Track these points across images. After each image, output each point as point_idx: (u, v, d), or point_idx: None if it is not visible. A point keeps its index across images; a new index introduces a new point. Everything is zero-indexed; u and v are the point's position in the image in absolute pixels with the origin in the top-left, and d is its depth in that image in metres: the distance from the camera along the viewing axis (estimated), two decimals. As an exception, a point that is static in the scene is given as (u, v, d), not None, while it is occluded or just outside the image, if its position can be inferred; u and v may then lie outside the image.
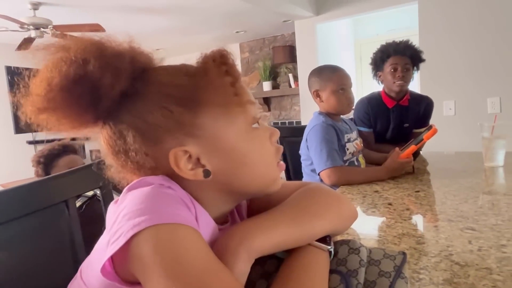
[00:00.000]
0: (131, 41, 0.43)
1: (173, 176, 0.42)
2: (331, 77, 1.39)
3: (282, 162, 0.50)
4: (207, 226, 0.42)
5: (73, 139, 0.49)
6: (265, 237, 0.40)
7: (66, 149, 1.58)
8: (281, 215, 0.44)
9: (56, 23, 2.96)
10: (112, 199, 0.85)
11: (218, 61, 0.43)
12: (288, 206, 0.46)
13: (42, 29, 2.94)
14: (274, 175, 0.48)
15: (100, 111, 0.42)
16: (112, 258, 0.36)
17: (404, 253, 0.43)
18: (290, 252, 0.43)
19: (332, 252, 0.43)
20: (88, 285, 0.42)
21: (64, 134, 0.44)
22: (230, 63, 0.44)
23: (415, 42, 1.77)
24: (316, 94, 1.42)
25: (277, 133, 0.49)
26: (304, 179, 1.49)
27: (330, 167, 1.25)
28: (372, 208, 0.96)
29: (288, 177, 1.72)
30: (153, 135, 0.42)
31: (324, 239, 0.44)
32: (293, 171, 1.71)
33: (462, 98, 2.70)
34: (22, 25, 2.84)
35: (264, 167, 0.47)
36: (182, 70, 0.45)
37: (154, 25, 3.83)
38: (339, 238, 0.51)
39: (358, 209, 0.98)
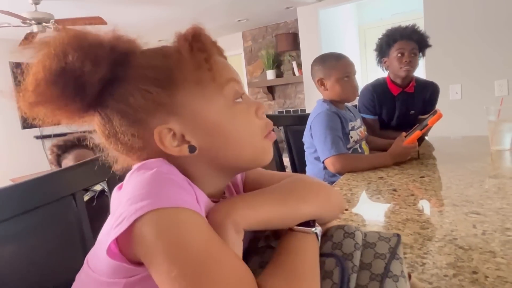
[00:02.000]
0: (115, 30, 0.45)
1: (164, 155, 0.44)
2: (336, 65, 1.38)
3: (272, 133, 0.50)
4: (205, 206, 0.43)
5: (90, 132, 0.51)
6: (250, 211, 0.42)
7: (80, 143, 1.60)
8: (268, 194, 0.46)
9: (57, 17, 2.96)
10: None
11: (191, 39, 0.45)
12: (276, 188, 0.48)
13: (44, 24, 2.94)
14: (262, 147, 0.49)
15: (87, 99, 0.43)
16: (117, 241, 0.37)
17: (398, 235, 0.44)
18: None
19: (318, 234, 0.44)
20: (96, 271, 0.43)
21: (64, 124, 0.46)
22: (203, 40, 0.45)
23: (420, 25, 1.74)
24: (321, 83, 1.40)
25: (263, 107, 0.50)
26: (307, 168, 1.49)
27: (334, 154, 1.25)
28: (377, 195, 0.96)
29: (293, 165, 1.73)
30: (136, 117, 0.44)
31: (308, 223, 0.45)
32: (297, 159, 1.71)
33: (468, 81, 2.66)
34: (24, 20, 2.85)
35: (250, 140, 0.48)
36: (158, 52, 0.47)
37: (155, 16, 3.81)
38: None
39: (363, 195, 0.99)
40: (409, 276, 0.45)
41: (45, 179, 0.71)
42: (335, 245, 0.43)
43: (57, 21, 2.92)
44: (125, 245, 0.37)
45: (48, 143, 3.69)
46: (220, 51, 0.50)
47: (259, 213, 0.42)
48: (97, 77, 0.42)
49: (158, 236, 0.34)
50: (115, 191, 0.45)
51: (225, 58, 0.51)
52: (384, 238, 0.43)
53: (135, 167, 0.43)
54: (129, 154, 0.46)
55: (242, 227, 0.41)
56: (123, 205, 0.37)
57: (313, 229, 0.44)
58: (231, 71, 0.49)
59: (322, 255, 0.42)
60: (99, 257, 0.42)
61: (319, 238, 0.44)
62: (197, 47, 0.44)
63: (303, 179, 0.51)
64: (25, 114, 0.44)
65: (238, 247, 0.40)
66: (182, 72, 0.44)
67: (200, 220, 0.37)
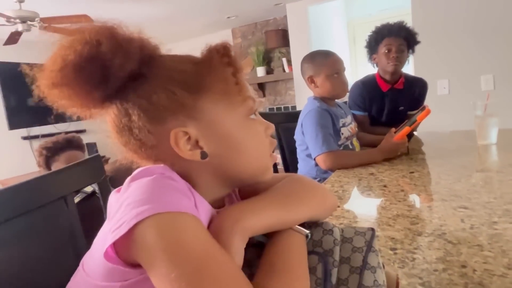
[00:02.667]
0: (140, 31, 0.47)
1: (172, 157, 0.45)
2: (325, 62, 1.39)
3: (274, 154, 0.53)
4: (205, 212, 0.44)
5: (78, 132, 0.52)
6: (257, 218, 0.43)
7: (70, 144, 1.56)
8: (271, 199, 0.48)
9: (42, 16, 2.90)
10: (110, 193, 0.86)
11: (222, 52, 0.47)
12: (278, 192, 0.50)
13: (29, 22, 2.88)
14: (266, 164, 0.51)
15: (109, 90, 0.44)
16: (115, 245, 0.38)
17: (372, 229, 0.46)
18: (270, 237, 0.45)
19: (309, 236, 0.46)
20: (91, 274, 0.44)
21: (73, 112, 0.47)
22: (232, 55, 0.48)
23: (408, 20, 1.76)
24: (311, 80, 1.41)
25: (272, 127, 0.53)
26: (299, 165, 1.50)
27: (325, 151, 1.26)
28: (367, 191, 0.98)
29: (284, 163, 1.74)
30: (156, 115, 0.45)
31: (302, 224, 0.47)
32: (289, 156, 1.72)
33: (455, 76, 2.70)
34: (8, 19, 2.78)
35: (258, 156, 0.50)
36: (187, 58, 0.49)
37: (143, 14, 3.77)
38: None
39: (354, 191, 1.00)
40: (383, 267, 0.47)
41: (36, 182, 0.70)
42: (315, 242, 0.44)
43: (42, 20, 2.87)
44: (123, 249, 0.38)
45: (36, 143, 3.63)
46: (241, 66, 0.51)
47: (264, 219, 0.44)
48: (125, 70, 0.43)
49: (158, 239, 0.35)
50: (113, 193, 0.45)
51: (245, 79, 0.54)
52: (360, 233, 0.45)
53: (136, 172, 0.43)
54: (138, 151, 0.47)
55: (248, 235, 0.42)
56: (124, 209, 0.38)
57: (307, 231, 0.45)
58: (250, 89, 0.51)
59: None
60: (95, 260, 0.42)
61: (308, 239, 0.46)
62: (227, 60, 0.47)
63: (300, 180, 0.53)
64: (43, 94, 0.44)
65: (241, 254, 0.41)
66: (210, 80, 0.46)
67: (199, 225, 0.38)
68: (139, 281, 0.38)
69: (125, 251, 0.37)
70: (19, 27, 2.86)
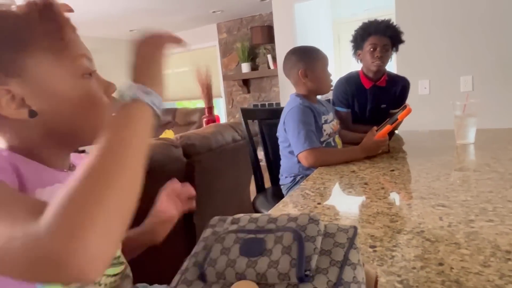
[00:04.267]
0: None
1: (6, 121, 0.46)
2: (319, 57, 1.41)
3: None
4: (43, 179, 0.46)
5: None
6: None
7: None
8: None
9: (20, 3, 2.79)
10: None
11: (41, 6, 0.47)
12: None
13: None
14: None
15: None
16: None
17: (355, 227, 0.46)
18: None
19: (158, 113, 0.45)
20: None
21: None
22: (54, 10, 0.48)
23: (392, 20, 1.77)
24: (304, 74, 1.39)
25: (113, 87, 0.53)
26: (282, 161, 1.49)
27: (307, 148, 1.26)
28: (348, 188, 0.98)
29: (268, 159, 1.73)
30: None
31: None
32: (272, 153, 1.72)
33: (436, 77, 2.75)
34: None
35: (94, 116, 0.51)
36: (5, 13, 0.48)
37: (127, 6, 3.68)
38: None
39: (336, 188, 1.00)
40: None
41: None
42: (300, 226, 0.44)
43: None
44: None
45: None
46: (73, 29, 0.51)
47: None
48: None
49: None
50: None
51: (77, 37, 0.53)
52: (343, 229, 0.45)
53: None
54: None
55: None
56: None
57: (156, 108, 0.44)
58: (83, 47, 0.51)
59: (280, 229, 0.44)
60: None
61: (159, 117, 0.45)
62: (47, 15, 0.47)
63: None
64: None
65: None
66: (31, 36, 0.46)
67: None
68: None
69: None
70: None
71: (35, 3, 0.47)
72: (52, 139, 0.50)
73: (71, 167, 0.56)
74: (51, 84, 0.47)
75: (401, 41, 1.71)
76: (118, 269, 0.60)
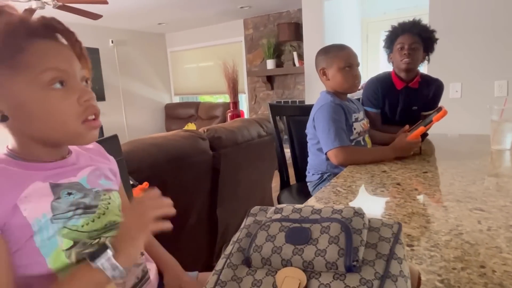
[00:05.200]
0: None
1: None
2: (338, 54, 1.38)
3: (94, 121, 0.57)
4: (22, 175, 0.53)
5: None
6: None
7: None
8: None
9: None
10: (126, 173, 0.85)
11: (17, 23, 0.52)
12: None
13: (43, 0, 2.87)
14: (75, 130, 0.56)
15: None
16: None
17: (399, 223, 0.46)
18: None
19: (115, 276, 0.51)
20: None
21: None
22: (19, 24, 0.52)
23: (425, 21, 1.73)
24: (323, 72, 1.40)
25: (86, 94, 0.56)
26: (309, 158, 1.49)
27: (337, 146, 1.26)
28: (381, 188, 0.97)
29: (294, 156, 1.73)
30: None
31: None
32: (299, 149, 1.72)
33: (469, 80, 2.67)
34: (22, -5, 2.77)
35: (62, 124, 0.54)
36: None
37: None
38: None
39: (368, 187, 0.99)
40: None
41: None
42: (344, 218, 0.44)
43: (57, -2, 2.85)
44: None
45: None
46: (30, 31, 0.54)
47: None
48: None
49: None
50: None
51: (75, 42, 0.58)
52: (387, 225, 0.45)
53: None
54: None
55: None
56: None
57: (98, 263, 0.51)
58: (53, 59, 0.54)
59: (325, 219, 0.45)
60: None
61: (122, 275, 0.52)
62: (7, 29, 0.51)
63: None
64: None
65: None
66: None
67: None
68: None
69: None
70: (33, 4, 2.85)
71: (12, 19, 0.52)
72: (30, 140, 0.56)
73: (68, 154, 0.62)
74: (14, 94, 0.52)
75: (431, 38, 1.67)
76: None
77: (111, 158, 0.73)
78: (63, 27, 0.57)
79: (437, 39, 1.68)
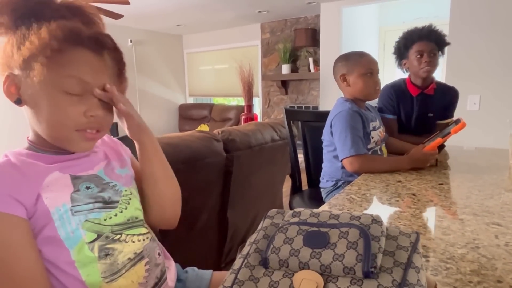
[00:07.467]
0: None
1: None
2: (359, 60, 1.38)
3: (91, 134, 0.59)
4: (37, 167, 0.55)
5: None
6: None
7: None
8: None
9: None
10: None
11: (60, 32, 0.54)
12: None
13: (67, -2, 2.94)
14: (67, 136, 0.58)
15: None
16: None
17: (417, 233, 0.46)
18: None
19: None
20: None
21: None
22: (67, 32, 0.55)
23: (445, 32, 1.72)
24: (343, 79, 1.40)
25: (96, 110, 0.58)
26: (324, 165, 1.49)
27: (353, 154, 1.25)
28: (395, 197, 0.97)
29: (307, 162, 1.73)
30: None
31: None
32: (312, 155, 1.72)
33: (487, 93, 2.63)
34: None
35: (59, 128, 0.57)
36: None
37: (180, 1, 3.80)
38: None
39: (383, 197, 0.99)
40: None
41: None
42: (362, 225, 0.45)
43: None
44: None
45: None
46: (64, 38, 0.56)
47: None
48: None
49: None
50: None
51: (119, 62, 0.62)
52: (405, 234, 0.46)
53: None
54: None
55: None
56: None
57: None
58: (82, 68, 0.56)
59: (344, 225, 0.45)
60: None
61: None
62: (53, 35, 0.53)
63: None
64: None
65: None
66: (30, 45, 0.53)
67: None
68: None
69: None
70: (58, 2, 2.92)
71: (46, 25, 0.55)
72: (39, 131, 0.59)
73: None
74: (36, 87, 0.55)
75: (446, 43, 1.66)
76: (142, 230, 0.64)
77: (127, 149, 0.76)
78: (113, 46, 0.59)
79: (449, 43, 1.68)
